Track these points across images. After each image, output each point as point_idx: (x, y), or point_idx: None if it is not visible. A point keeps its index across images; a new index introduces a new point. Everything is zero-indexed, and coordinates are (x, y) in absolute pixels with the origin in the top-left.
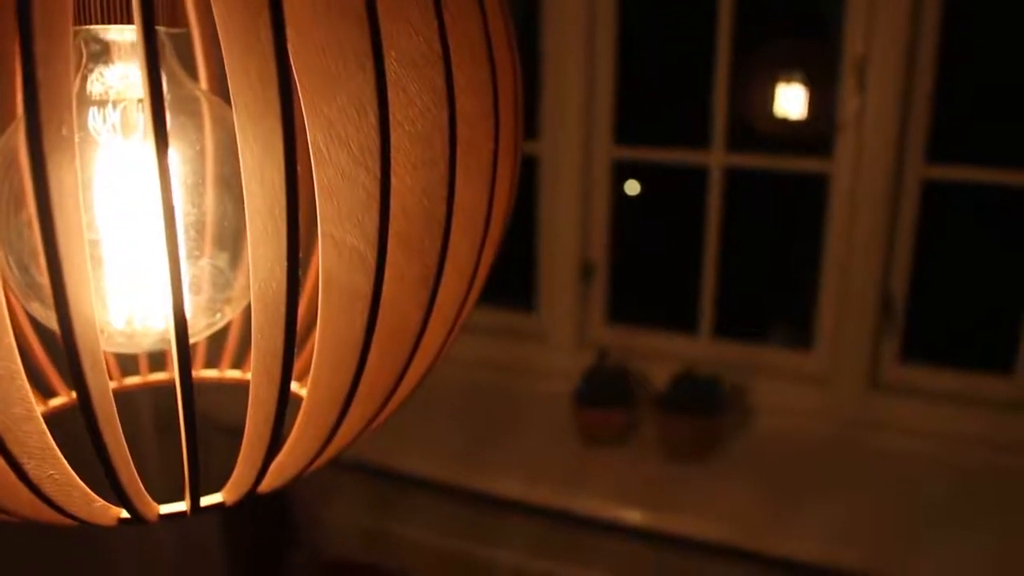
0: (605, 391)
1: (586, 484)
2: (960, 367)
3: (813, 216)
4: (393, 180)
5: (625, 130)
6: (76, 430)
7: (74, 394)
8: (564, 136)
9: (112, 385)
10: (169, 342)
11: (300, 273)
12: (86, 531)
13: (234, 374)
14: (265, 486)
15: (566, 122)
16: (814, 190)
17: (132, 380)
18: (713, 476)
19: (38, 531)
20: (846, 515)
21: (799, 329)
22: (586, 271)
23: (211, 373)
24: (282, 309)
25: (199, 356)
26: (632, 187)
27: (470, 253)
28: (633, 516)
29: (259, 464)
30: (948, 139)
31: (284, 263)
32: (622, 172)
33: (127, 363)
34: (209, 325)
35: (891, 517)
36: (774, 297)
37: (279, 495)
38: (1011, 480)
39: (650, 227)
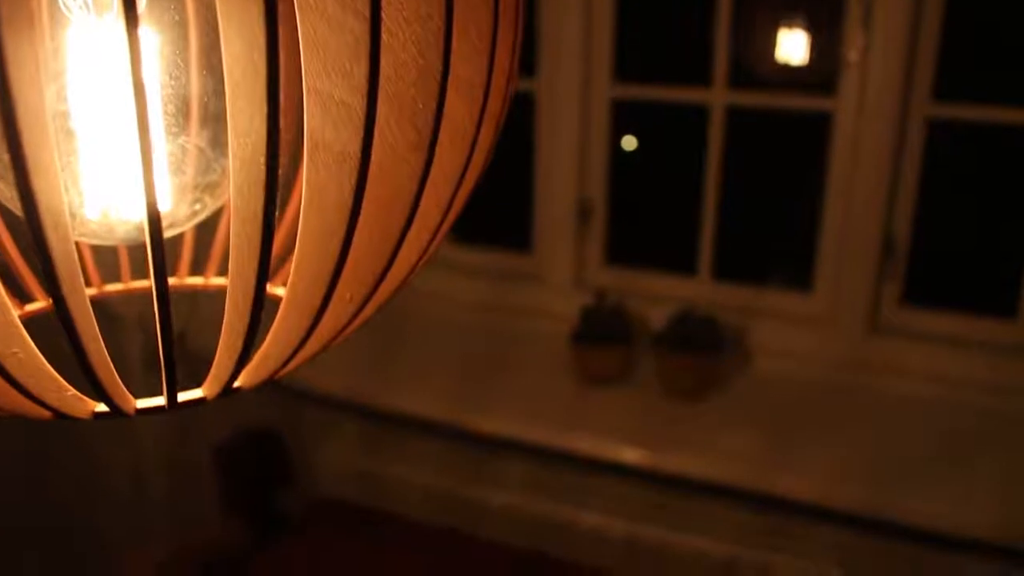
0: (603, 330)
1: (584, 423)
2: (962, 311)
3: (815, 157)
4: (384, 35)
5: (625, 70)
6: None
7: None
8: (562, 74)
9: (93, 292)
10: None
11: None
12: (83, 476)
13: (219, 281)
14: (247, 381)
15: (564, 59)
16: (816, 131)
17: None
18: (712, 416)
19: (41, 476)
20: (845, 455)
21: (799, 271)
22: (584, 211)
23: (196, 280)
24: (262, 164)
25: (184, 262)
26: (629, 143)
27: (468, 123)
28: (631, 455)
29: (237, 354)
30: (954, 77)
31: (264, 110)
32: (622, 114)
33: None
34: (192, 214)
35: (890, 458)
36: (774, 239)
37: (274, 436)
38: (1012, 423)
39: (650, 169)
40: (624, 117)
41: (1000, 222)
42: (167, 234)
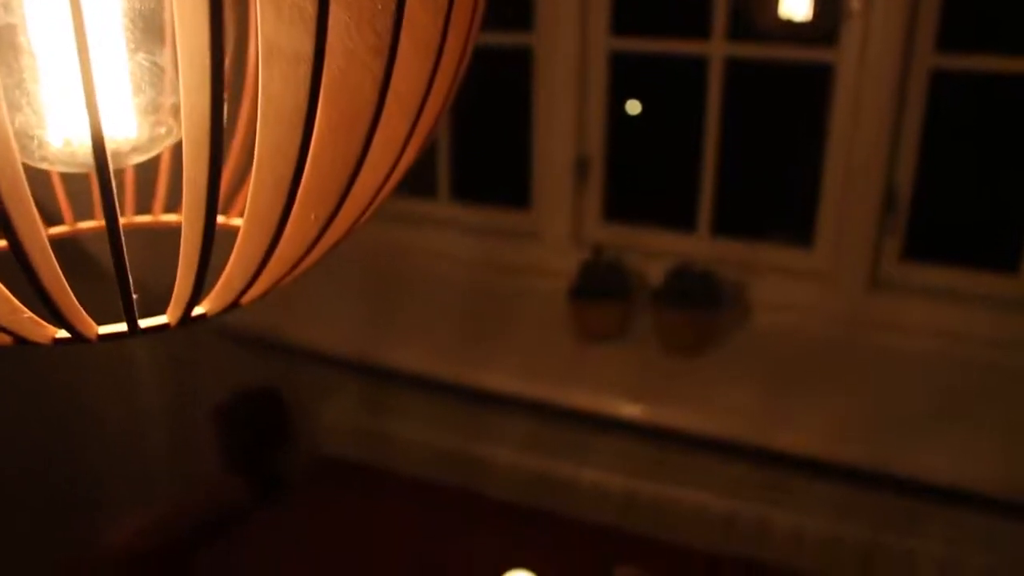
0: (600, 285)
1: (582, 378)
2: (963, 265)
3: (816, 111)
4: None
5: (623, 24)
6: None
7: None
8: (560, 28)
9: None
10: (117, 156)
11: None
12: (83, 435)
13: (169, 217)
14: (211, 307)
15: (561, 13)
16: (817, 84)
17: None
18: (711, 371)
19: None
20: (846, 410)
21: (800, 226)
22: (582, 168)
23: (144, 218)
24: (207, 64)
25: (128, 201)
26: (633, 107)
27: (431, 30)
28: (630, 409)
29: (195, 274)
30: (958, 27)
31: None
32: (622, 72)
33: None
34: (153, 139)
35: (890, 412)
36: (775, 194)
37: (273, 395)
38: (1013, 377)
39: (649, 125)
40: (624, 75)
41: (1003, 175)
42: (132, 160)
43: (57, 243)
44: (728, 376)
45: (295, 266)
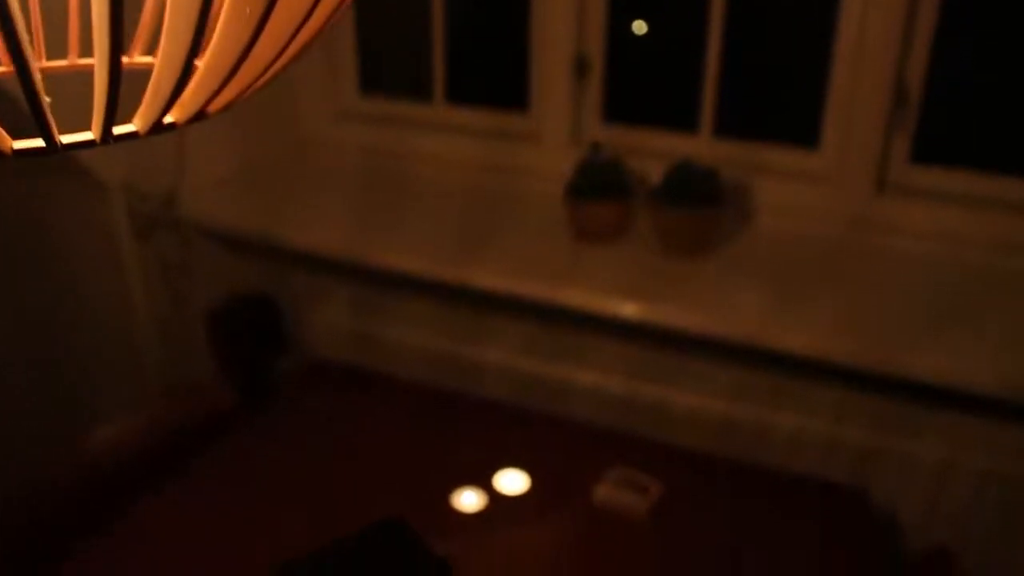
0: (598, 183)
1: (578, 278)
2: (972, 168)
3: (824, 1)
4: None
5: None
6: None
7: None
8: None
9: None
10: None
11: None
12: (76, 342)
13: (88, 60)
14: (179, 116)
15: None
16: None
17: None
18: (711, 272)
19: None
20: (847, 311)
21: (806, 126)
22: (581, 67)
23: (60, 63)
24: None
25: (39, 45)
26: (640, 27)
27: None
28: (627, 309)
29: (177, 76)
30: None
31: None
32: None
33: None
34: None
35: (895, 315)
36: (780, 93)
37: (267, 301)
38: (1020, 281)
39: (649, 22)
40: None
41: (1020, 72)
42: None
43: None
44: (729, 277)
45: (268, 68)
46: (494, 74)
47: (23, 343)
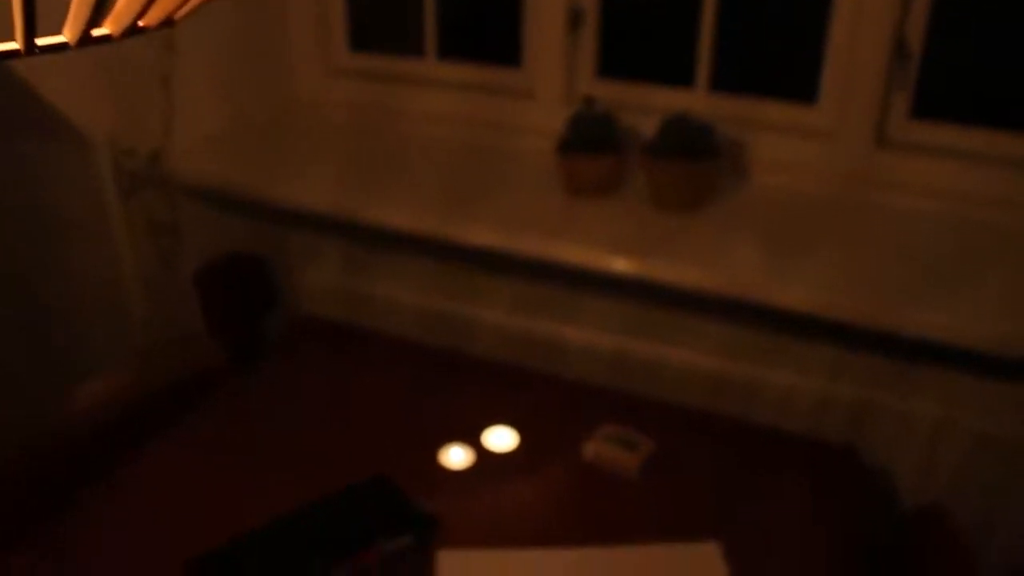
0: (591, 136)
1: (571, 233)
2: (974, 124)
3: None
4: None
5: None
6: None
7: None
8: None
9: None
10: None
11: None
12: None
13: None
14: (114, 27)
15: None
16: None
17: None
18: (706, 227)
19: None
20: (844, 267)
21: (804, 81)
22: (574, 20)
23: None
24: None
25: None
26: None
27: None
28: (621, 264)
29: None
30: None
31: None
32: None
33: None
34: None
35: (890, 272)
36: (778, 46)
37: (258, 259)
38: (1019, 239)
39: None
40: None
41: (1021, 27)
42: None
43: None
44: (724, 233)
45: None
46: (487, 29)
47: (7, 301)
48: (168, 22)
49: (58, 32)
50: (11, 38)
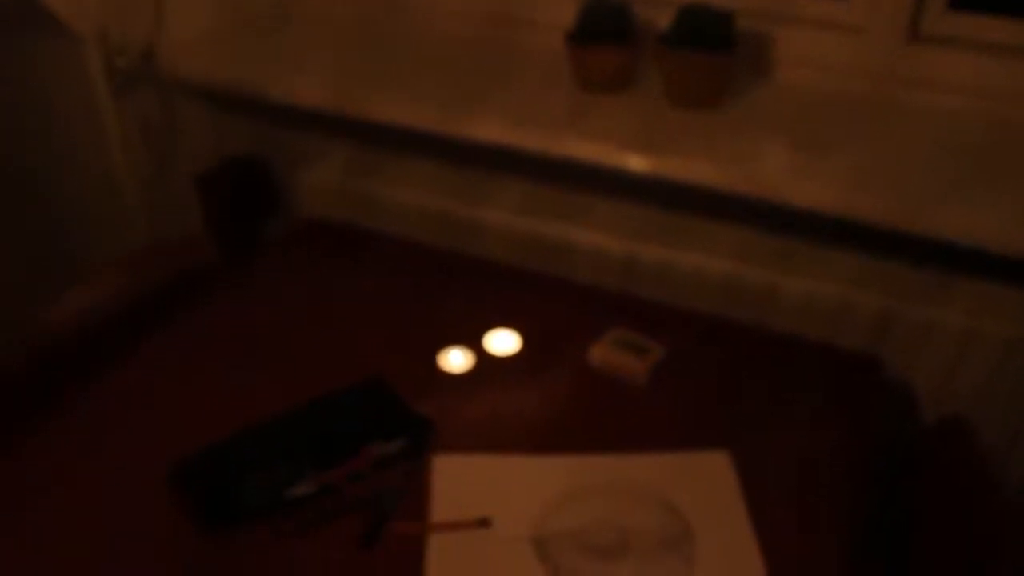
0: (602, 28)
1: (582, 129)
2: (1015, 17)
3: None
4: None
5: None
6: None
7: None
8: None
9: None
10: None
11: None
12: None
13: None
14: None
15: None
16: None
17: None
18: (724, 124)
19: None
20: (871, 167)
21: None
22: None
23: None
24: None
25: None
26: None
27: None
28: (633, 161)
29: None
30: None
31: None
32: None
33: None
34: None
35: (919, 171)
36: None
37: (259, 162)
38: None
39: None
40: None
41: None
42: None
43: None
44: (743, 130)
45: None
46: None
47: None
48: None
49: None
50: None
